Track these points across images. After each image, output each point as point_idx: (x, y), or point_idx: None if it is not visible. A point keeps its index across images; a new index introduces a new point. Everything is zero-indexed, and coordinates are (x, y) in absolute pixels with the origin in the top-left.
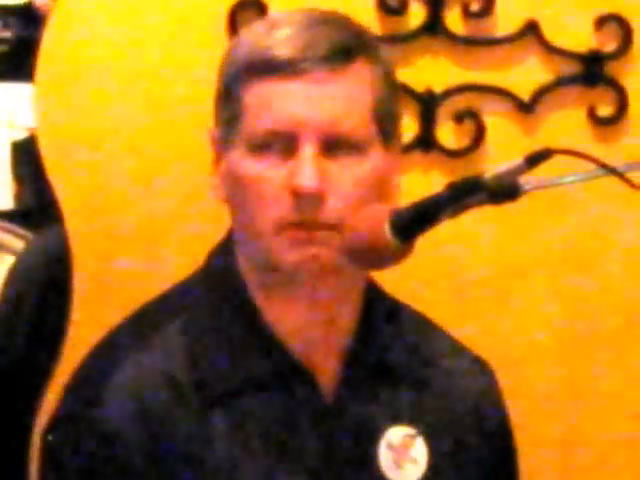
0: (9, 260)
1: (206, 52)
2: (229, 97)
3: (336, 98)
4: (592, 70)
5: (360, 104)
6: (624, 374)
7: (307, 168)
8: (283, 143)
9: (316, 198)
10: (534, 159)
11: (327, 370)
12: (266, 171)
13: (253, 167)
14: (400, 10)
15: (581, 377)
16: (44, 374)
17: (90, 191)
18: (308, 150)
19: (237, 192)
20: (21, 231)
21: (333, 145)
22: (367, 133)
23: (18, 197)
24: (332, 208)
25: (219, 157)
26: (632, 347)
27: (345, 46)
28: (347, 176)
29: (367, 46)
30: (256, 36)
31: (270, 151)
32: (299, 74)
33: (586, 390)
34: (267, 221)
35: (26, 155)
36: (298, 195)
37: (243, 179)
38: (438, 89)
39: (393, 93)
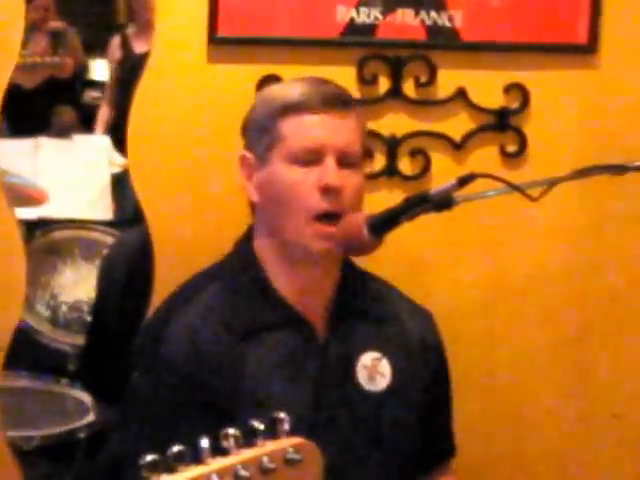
0: None
1: (239, 114)
2: (266, 129)
3: (348, 130)
4: (502, 121)
5: (358, 136)
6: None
7: (333, 171)
8: (313, 157)
9: (338, 192)
10: (463, 181)
11: (319, 319)
12: (300, 176)
13: (292, 173)
14: (372, 81)
15: (505, 327)
16: (133, 324)
17: (167, 205)
18: (331, 161)
19: (277, 192)
20: (117, 234)
21: (344, 161)
22: (360, 156)
23: (115, 211)
24: (346, 201)
25: (251, 174)
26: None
27: (349, 99)
28: (351, 182)
29: (355, 102)
30: (286, 88)
31: (302, 163)
32: (325, 111)
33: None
34: (301, 212)
35: (120, 183)
36: (326, 190)
37: (283, 182)
38: (399, 134)
39: (366, 134)
